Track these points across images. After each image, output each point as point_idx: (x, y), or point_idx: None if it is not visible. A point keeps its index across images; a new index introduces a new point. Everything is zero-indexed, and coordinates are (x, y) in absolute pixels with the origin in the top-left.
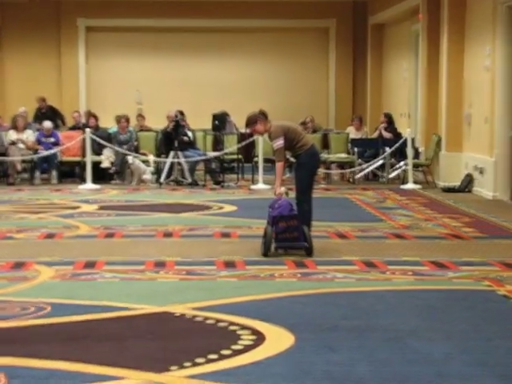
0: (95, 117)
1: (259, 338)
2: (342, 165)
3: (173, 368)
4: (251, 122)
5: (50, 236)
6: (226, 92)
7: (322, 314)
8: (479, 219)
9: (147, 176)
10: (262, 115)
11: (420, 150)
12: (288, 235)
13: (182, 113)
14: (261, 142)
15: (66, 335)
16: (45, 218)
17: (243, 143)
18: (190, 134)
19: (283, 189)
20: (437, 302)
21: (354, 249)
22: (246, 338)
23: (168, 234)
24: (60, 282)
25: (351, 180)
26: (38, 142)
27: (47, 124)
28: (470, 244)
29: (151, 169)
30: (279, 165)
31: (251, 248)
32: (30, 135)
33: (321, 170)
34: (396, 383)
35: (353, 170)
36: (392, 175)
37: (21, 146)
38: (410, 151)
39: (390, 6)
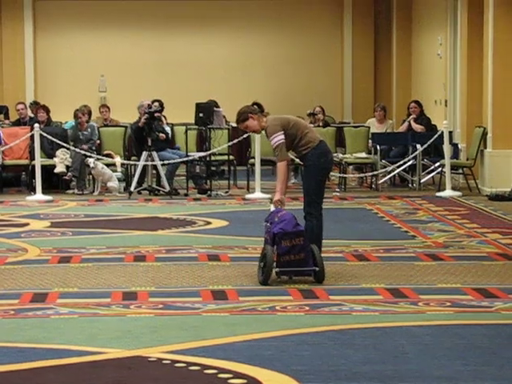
0: (46, 109)
1: None
2: (361, 167)
3: None
4: (242, 117)
5: None
6: (213, 77)
7: (336, 357)
8: None
9: (113, 183)
10: (256, 108)
11: (460, 147)
12: (293, 257)
13: (160, 104)
14: (258, 138)
15: None
16: None
17: (235, 141)
18: (167, 129)
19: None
20: (483, 341)
21: (377, 274)
22: None
23: (140, 258)
24: (1, 320)
25: (373, 186)
26: None
27: None
28: None
29: (118, 174)
30: (281, 165)
31: (246, 274)
32: None
33: (334, 174)
34: None
35: (375, 173)
36: (425, 180)
37: None
38: (447, 149)
39: None
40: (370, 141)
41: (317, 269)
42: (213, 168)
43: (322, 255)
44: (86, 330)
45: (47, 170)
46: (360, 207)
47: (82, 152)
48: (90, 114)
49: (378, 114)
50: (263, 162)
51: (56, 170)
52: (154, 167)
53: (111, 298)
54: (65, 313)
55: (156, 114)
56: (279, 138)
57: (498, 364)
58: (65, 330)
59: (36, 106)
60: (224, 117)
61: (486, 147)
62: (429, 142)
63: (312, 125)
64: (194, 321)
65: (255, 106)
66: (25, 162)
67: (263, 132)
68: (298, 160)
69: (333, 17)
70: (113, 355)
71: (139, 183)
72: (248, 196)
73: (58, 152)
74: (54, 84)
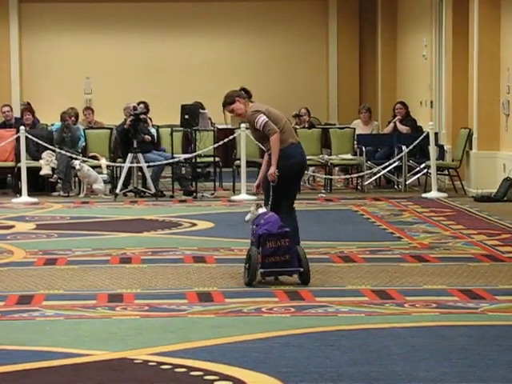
0: (31, 111)
1: None
2: (346, 168)
3: None
4: (229, 100)
5: None
6: (199, 78)
7: (322, 359)
8: None
9: (99, 185)
10: (244, 94)
11: (446, 148)
12: (278, 258)
13: (146, 106)
14: (243, 140)
15: None
16: None
17: (221, 142)
18: (153, 131)
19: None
20: (468, 342)
21: (363, 275)
22: None
23: (126, 260)
24: None
25: (359, 187)
26: None
27: None
28: (509, 267)
29: (104, 176)
30: (274, 138)
31: (232, 276)
32: None
33: (320, 175)
34: None
35: (361, 174)
36: (410, 181)
37: None
38: (432, 150)
39: None
40: (355, 142)
41: (301, 269)
42: (198, 170)
43: (308, 256)
44: (71, 332)
45: (33, 172)
46: (346, 208)
47: (68, 154)
48: (77, 116)
49: (363, 115)
50: (249, 164)
51: (42, 173)
52: (140, 169)
53: (97, 299)
54: (50, 315)
55: (141, 116)
56: (263, 117)
57: (484, 365)
58: (50, 332)
59: (28, 107)
60: (209, 118)
61: (471, 148)
62: (414, 144)
63: (298, 126)
64: (179, 323)
65: (242, 92)
66: (10, 164)
67: (249, 134)
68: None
69: (318, 19)
70: (98, 357)
71: (125, 185)
72: (234, 198)
73: (44, 154)
74: (40, 86)
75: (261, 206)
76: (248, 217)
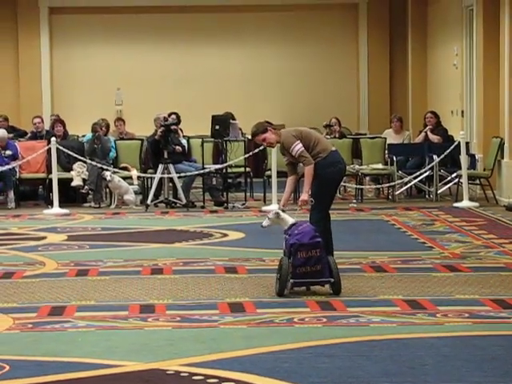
0: (62, 122)
1: None
2: (377, 178)
3: None
4: (260, 130)
5: (6, 275)
6: (229, 89)
7: (354, 369)
8: None
9: (130, 196)
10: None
11: (477, 157)
12: (309, 269)
13: (177, 116)
14: (274, 150)
15: None
16: (0, 252)
17: (251, 153)
18: (184, 142)
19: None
20: (501, 352)
21: (395, 285)
22: None
23: (157, 271)
24: (19, 333)
25: (390, 197)
26: None
27: (1, 132)
28: None
29: (135, 187)
30: (309, 168)
31: (264, 286)
32: None
33: (350, 185)
34: None
35: (392, 184)
36: (442, 190)
37: None
38: (464, 159)
39: None
40: (386, 152)
41: (332, 280)
42: (229, 180)
43: (339, 267)
44: (103, 342)
45: (64, 184)
46: (377, 218)
47: (99, 165)
48: (108, 127)
49: (394, 124)
50: (280, 174)
51: (73, 184)
52: (171, 180)
53: (129, 310)
54: (82, 326)
55: (172, 127)
56: (299, 146)
57: None
58: (82, 343)
59: (59, 119)
60: (240, 129)
61: (503, 157)
62: (445, 153)
63: (328, 136)
64: (211, 333)
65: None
66: (42, 175)
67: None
68: None
69: (348, 29)
70: (130, 368)
71: (156, 196)
72: (265, 208)
73: (75, 165)
74: (71, 97)
75: (280, 213)
76: (266, 222)
